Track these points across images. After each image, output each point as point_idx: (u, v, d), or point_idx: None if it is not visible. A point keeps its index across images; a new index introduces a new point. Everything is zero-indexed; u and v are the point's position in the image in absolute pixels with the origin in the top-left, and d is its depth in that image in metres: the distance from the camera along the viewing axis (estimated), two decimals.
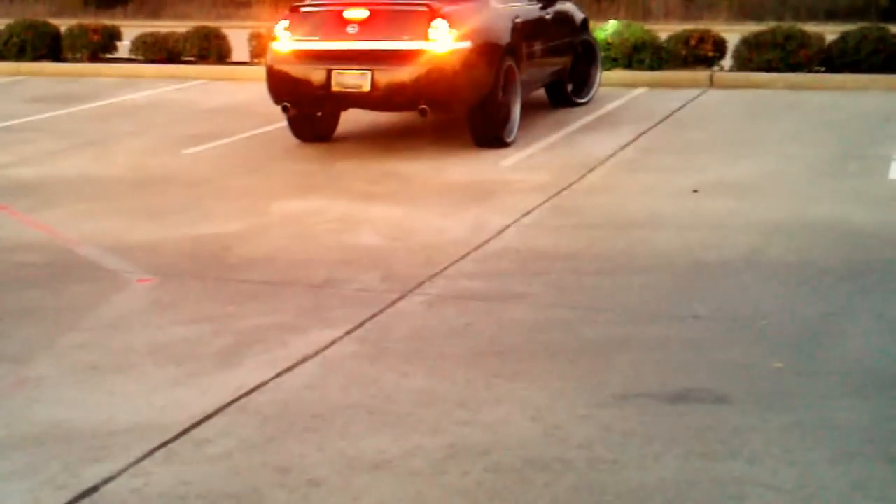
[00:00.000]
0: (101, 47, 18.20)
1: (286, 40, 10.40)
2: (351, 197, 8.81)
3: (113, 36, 18.35)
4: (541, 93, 12.61)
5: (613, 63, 15.12)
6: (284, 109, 10.47)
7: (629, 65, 15.08)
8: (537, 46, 11.50)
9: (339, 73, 10.07)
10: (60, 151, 11.15)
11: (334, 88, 10.10)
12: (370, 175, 9.56)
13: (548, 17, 11.94)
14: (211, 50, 17.27)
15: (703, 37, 15.09)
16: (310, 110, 10.84)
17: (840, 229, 7.50)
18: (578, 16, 13.01)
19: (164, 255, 7.27)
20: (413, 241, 7.45)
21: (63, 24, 19.16)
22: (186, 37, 17.47)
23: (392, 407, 4.79)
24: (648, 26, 16.13)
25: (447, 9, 10.11)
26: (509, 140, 10.57)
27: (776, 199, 8.34)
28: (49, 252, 7.42)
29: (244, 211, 8.41)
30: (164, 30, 18.66)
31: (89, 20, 20.82)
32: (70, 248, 7.48)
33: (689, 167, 9.55)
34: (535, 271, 6.72)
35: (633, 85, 14.53)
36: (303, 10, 10.58)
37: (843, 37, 14.54)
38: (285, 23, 10.47)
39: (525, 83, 11.03)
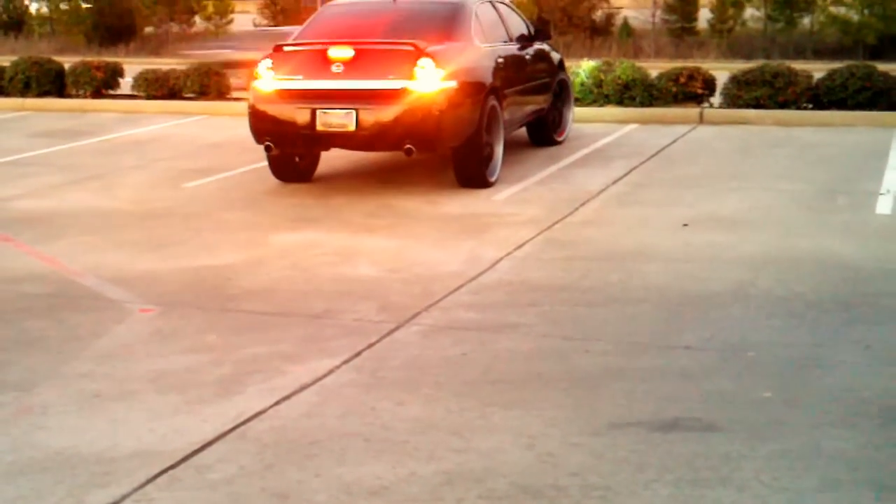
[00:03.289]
0: (103, 84, 18.31)
1: (269, 79, 10.17)
2: (348, 230, 8.85)
3: (115, 73, 18.47)
4: (523, 130, 12.62)
5: (605, 100, 15.25)
6: (267, 149, 10.23)
7: (620, 101, 15.20)
8: (519, 86, 11.39)
9: (324, 112, 9.84)
10: (64, 185, 11.19)
11: (319, 128, 9.87)
12: (367, 208, 9.61)
13: (528, 57, 11.88)
14: (210, 86, 17.38)
15: (693, 74, 15.20)
16: (293, 150, 10.60)
17: (828, 262, 7.55)
18: (556, 56, 13.00)
19: (166, 285, 7.30)
20: (409, 273, 7.48)
21: (67, 62, 19.28)
22: (187, 74, 17.58)
23: (388, 434, 4.81)
24: (639, 64, 16.24)
25: (433, 48, 9.92)
26: (492, 179, 10.42)
27: (765, 233, 8.39)
28: (53, 283, 7.45)
29: (244, 243, 8.45)
30: (164, 67, 18.75)
31: (92, 57, 20.98)
32: (73, 279, 7.51)
33: (679, 201, 9.61)
34: (529, 303, 6.75)
35: (625, 121, 14.62)
36: (286, 48, 10.35)
37: (831, 74, 14.63)
38: (268, 62, 10.24)
39: (507, 123, 10.92)
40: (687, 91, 15.10)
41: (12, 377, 5.62)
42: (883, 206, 9.27)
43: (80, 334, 6.31)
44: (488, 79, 10.48)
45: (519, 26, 12.15)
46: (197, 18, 33.57)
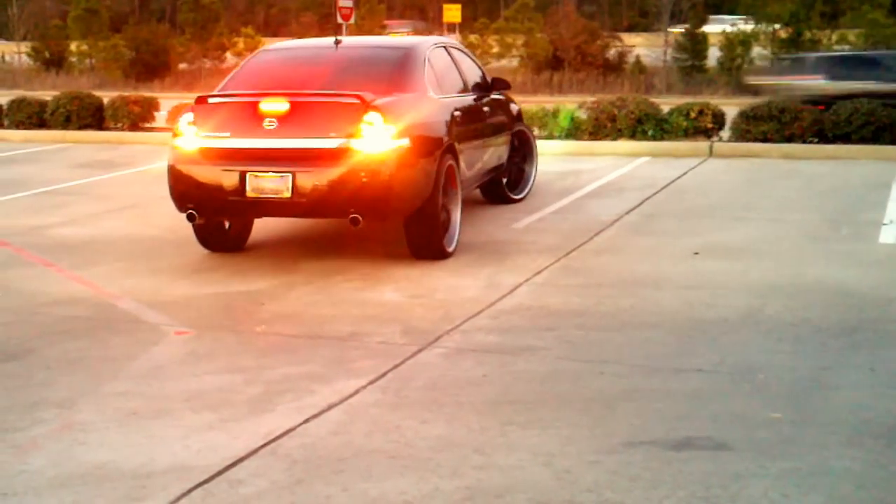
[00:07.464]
0: (140, 117, 18.48)
1: (192, 137, 8.36)
2: (372, 257, 8.87)
3: (151, 107, 18.66)
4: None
5: (619, 133, 15.29)
6: (190, 218, 8.40)
7: (633, 135, 15.24)
8: (477, 141, 9.81)
9: (255, 175, 8.10)
10: (102, 213, 11.27)
11: (249, 194, 8.13)
12: (390, 237, 9.62)
13: (485, 108, 10.24)
14: None
15: (703, 110, 15.24)
16: (220, 218, 8.89)
17: (833, 290, 7.53)
18: (513, 107, 11.43)
19: (200, 309, 7.34)
20: (431, 298, 7.50)
21: (106, 96, 19.47)
22: None
23: (412, 452, 4.82)
24: (651, 99, 16.29)
25: (381, 101, 8.21)
26: (450, 249, 8.77)
27: (773, 262, 8.38)
28: (92, 306, 7.50)
29: (274, 269, 8.49)
30: None
31: (129, 92, 21.16)
32: (112, 303, 7.56)
33: (690, 231, 9.61)
34: (546, 327, 6.76)
35: (637, 154, 14.66)
36: (211, 101, 8.52)
37: (836, 110, 14.64)
38: (190, 116, 8.44)
39: (465, 183, 9.39)
40: (697, 125, 15.14)
41: (55, 395, 5.66)
42: (886, 236, 9.25)
43: (118, 355, 6.35)
44: (444, 135, 8.81)
45: (475, 74, 10.61)
46: (228, 55, 33.88)
